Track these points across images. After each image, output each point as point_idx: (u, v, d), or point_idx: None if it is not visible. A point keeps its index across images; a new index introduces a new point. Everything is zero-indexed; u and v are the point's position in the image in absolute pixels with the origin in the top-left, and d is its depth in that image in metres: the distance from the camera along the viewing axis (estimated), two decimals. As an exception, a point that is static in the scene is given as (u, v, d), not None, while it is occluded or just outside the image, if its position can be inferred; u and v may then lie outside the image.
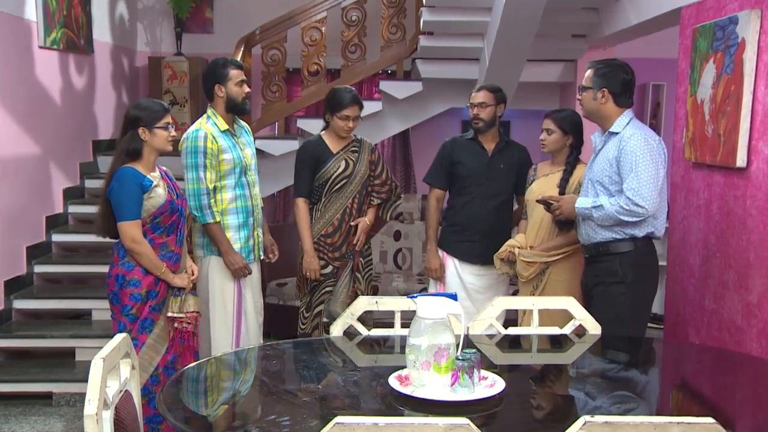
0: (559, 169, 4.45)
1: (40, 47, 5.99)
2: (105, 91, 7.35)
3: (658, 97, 8.18)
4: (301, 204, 4.72)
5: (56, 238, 6.27)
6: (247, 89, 4.43)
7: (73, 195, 6.62)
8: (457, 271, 4.81)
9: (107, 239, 4.03)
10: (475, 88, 4.78)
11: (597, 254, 3.90)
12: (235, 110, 4.43)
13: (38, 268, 6.00)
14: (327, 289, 4.78)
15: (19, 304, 5.73)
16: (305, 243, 4.70)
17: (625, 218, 3.70)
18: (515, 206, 4.88)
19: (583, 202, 3.89)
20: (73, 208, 6.53)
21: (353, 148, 4.76)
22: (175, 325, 3.98)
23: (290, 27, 6.99)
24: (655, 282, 3.93)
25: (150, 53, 8.12)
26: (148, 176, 3.90)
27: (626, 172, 3.70)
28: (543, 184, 4.45)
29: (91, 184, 6.77)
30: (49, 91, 6.23)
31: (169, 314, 3.97)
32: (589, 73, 3.92)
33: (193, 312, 4.03)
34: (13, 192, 5.66)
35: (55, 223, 6.33)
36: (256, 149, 6.80)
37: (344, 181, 4.69)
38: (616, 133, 3.82)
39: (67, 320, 5.90)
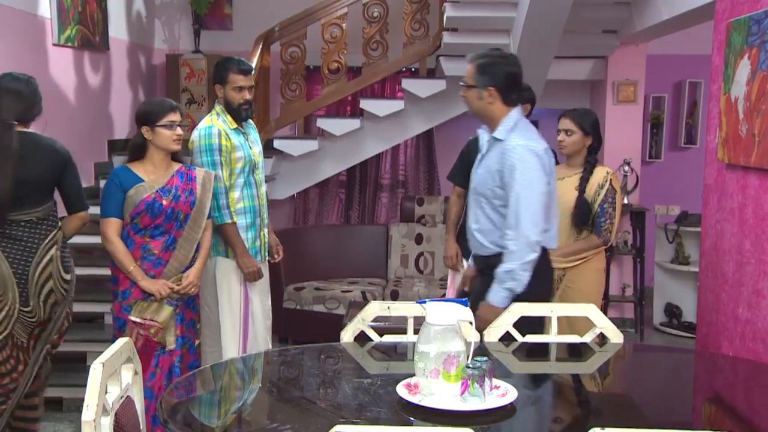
0: (575, 171, 4.30)
1: (54, 45, 5.92)
2: (121, 89, 7.27)
3: (695, 95, 8.02)
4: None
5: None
6: (246, 96, 4.28)
7: (87, 195, 6.42)
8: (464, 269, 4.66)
9: None
10: None
11: (486, 267, 3.56)
12: (231, 114, 4.29)
13: (51, 270, 5.88)
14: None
15: (31, 306, 5.61)
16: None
17: (530, 258, 3.34)
18: None
19: (494, 294, 3.40)
20: (87, 209, 6.41)
21: None
22: (141, 331, 3.90)
23: (310, 23, 6.97)
24: (543, 290, 3.57)
25: (167, 50, 8.04)
26: (144, 177, 3.90)
27: (509, 197, 3.37)
28: (559, 188, 4.26)
29: (105, 184, 6.65)
30: (64, 89, 6.15)
31: (131, 318, 3.91)
32: (470, 68, 3.50)
33: (151, 320, 3.89)
34: (25, 191, 5.55)
35: (69, 224, 6.21)
36: (275, 150, 6.82)
37: None
38: (500, 140, 3.46)
39: (79, 324, 5.77)
